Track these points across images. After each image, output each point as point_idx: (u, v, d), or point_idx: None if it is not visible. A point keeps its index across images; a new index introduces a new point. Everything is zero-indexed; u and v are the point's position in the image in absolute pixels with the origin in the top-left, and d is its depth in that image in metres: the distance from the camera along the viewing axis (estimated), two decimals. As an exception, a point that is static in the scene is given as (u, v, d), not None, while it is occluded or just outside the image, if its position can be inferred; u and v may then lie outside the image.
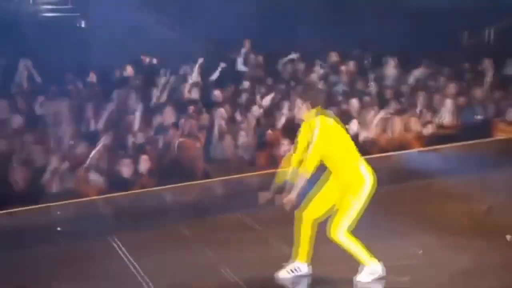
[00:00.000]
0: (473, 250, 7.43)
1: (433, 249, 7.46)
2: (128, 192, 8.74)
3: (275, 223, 7.61)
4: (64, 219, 8.21)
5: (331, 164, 6.20)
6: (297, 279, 6.53)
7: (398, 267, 6.86)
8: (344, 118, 9.52)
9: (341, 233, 6.08)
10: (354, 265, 6.44)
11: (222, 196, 9.34)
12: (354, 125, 10.50)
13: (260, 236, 7.99)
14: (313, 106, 6.09)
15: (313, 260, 6.53)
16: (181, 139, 9.80)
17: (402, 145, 10.61)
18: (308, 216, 6.28)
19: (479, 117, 11.42)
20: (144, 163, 9.09)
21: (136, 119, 10.38)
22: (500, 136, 10.83)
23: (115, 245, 7.68)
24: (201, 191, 9.29)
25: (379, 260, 6.28)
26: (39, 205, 8.19)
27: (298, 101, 6.16)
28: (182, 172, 9.29)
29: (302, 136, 6.26)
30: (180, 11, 14.50)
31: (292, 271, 6.40)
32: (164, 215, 8.54)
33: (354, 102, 11.51)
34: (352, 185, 6.11)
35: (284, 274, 6.43)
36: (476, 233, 7.93)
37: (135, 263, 7.16)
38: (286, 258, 6.63)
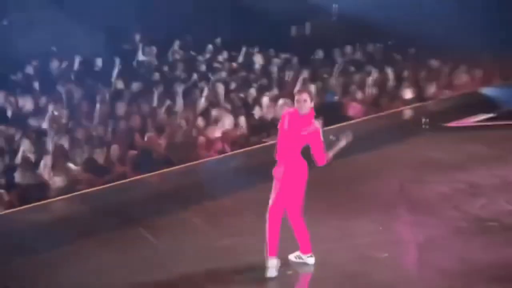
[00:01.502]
0: (421, 224, 7.64)
1: (387, 225, 7.64)
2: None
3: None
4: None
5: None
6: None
7: (370, 244, 7.03)
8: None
9: None
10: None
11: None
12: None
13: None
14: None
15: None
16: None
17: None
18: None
19: (336, 98, 12.03)
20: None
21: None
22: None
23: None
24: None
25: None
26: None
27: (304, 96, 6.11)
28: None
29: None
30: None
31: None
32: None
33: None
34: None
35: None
36: (414, 207, 8.17)
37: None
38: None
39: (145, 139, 9.81)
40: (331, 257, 6.91)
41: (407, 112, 12.25)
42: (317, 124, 6.14)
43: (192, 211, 8.41)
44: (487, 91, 13.59)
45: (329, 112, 11.18)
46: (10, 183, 8.53)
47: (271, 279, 6.36)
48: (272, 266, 6.22)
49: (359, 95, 12.50)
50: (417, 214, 8.27)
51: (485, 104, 13.08)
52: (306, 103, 6.05)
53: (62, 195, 8.38)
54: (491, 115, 12.63)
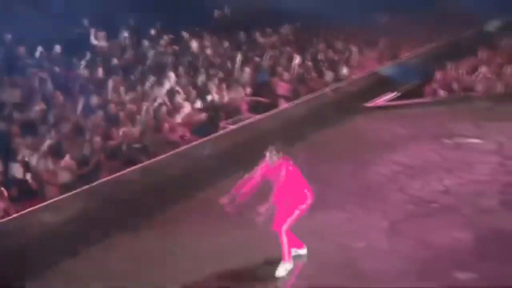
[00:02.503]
0: (376, 209, 8.28)
1: (349, 212, 8.31)
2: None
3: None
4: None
5: None
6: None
7: (342, 233, 7.73)
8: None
9: None
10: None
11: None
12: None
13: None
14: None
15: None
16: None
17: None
18: None
19: (267, 78, 12.79)
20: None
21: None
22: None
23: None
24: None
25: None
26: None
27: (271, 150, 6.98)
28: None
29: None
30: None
31: None
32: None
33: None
34: None
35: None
36: (364, 192, 8.81)
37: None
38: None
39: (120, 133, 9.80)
40: (312, 248, 7.25)
41: (329, 94, 12.86)
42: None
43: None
44: (383, 70, 14.28)
45: (262, 89, 12.44)
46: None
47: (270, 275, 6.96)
48: (288, 268, 7.03)
49: (285, 75, 13.00)
50: (370, 200, 8.71)
51: (386, 83, 13.88)
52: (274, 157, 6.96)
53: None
54: (395, 93, 13.60)
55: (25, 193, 8.58)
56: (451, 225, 7.99)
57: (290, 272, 7.04)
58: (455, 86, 13.36)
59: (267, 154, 6.99)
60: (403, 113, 12.46)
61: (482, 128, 11.56)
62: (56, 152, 9.28)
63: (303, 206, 7.07)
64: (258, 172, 7.08)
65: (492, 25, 17.73)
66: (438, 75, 13.73)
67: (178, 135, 10.44)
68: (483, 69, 13.59)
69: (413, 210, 8.50)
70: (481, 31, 17.26)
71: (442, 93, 13.25)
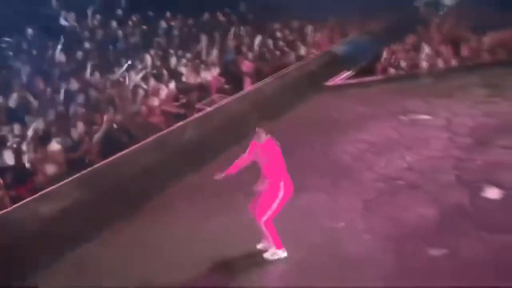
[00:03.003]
0: (349, 189, 8.78)
1: (327, 193, 8.74)
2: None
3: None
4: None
5: None
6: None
7: (321, 215, 8.11)
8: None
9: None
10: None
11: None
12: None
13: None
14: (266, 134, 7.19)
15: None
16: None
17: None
18: None
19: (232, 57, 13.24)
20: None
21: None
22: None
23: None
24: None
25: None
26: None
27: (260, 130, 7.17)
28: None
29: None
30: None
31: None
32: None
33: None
34: None
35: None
36: (335, 171, 9.31)
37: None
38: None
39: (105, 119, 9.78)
40: (297, 230, 7.60)
41: (293, 73, 13.18)
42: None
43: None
44: (336, 49, 14.93)
45: (229, 67, 12.89)
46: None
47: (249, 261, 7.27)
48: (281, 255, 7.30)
49: (249, 54, 13.47)
50: (343, 179, 9.10)
51: (341, 62, 14.44)
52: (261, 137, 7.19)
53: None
54: (351, 72, 14.18)
55: (18, 180, 8.58)
56: (418, 202, 8.50)
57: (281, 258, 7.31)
58: (402, 63, 14.08)
59: (256, 134, 7.14)
60: (360, 92, 13.00)
61: (430, 104, 12.28)
62: (43, 139, 9.25)
63: (281, 195, 7.14)
64: (248, 152, 7.27)
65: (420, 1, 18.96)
66: (386, 53, 14.46)
67: (158, 118, 10.47)
68: (424, 46, 14.32)
69: (383, 188, 8.95)
70: (417, 9, 18.31)
71: (391, 70, 13.98)
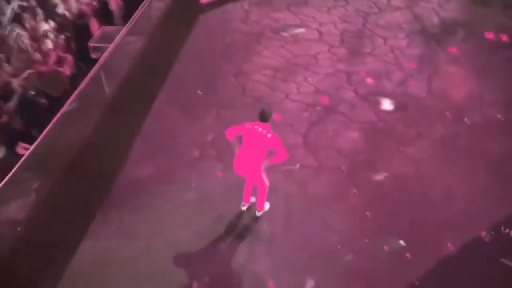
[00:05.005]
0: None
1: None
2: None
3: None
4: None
5: None
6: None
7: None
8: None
9: None
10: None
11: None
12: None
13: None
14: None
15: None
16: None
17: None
18: None
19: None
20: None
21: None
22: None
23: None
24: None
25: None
26: None
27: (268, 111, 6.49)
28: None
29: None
30: None
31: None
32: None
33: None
34: None
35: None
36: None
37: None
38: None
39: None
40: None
41: None
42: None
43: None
44: None
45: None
46: None
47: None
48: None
49: None
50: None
51: None
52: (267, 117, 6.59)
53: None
54: None
55: None
56: (342, 126, 8.68)
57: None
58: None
59: (262, 114, 6.58)
60: (233, 7, 12.42)
61: (297, 15, 12.15)
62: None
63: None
64: (244, 127, 6.67)
65: None
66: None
67: (53, 65, 8.93)
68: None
69: (309, 117, 8.86)
70: None
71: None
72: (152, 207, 7.27)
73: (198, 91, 9.28)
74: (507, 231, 6.74)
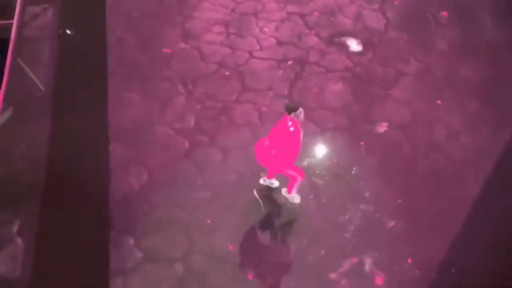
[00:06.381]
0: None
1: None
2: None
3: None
4: None
5: None
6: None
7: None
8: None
9: None
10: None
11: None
12: None
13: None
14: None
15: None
16: None
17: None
18: None
19: None
20: None
21: None
22: None
23: None
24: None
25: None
26: None
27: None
28: None
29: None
30: None
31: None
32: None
33: None
34: None
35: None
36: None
37: None
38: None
39: None
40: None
41: None
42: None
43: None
44: None
45: None
46: None
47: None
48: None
49: None
50: (250, 81, 8.39)
51: None
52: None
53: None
54: None
55: None
56: (323, 79, 8.29)
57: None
58: None
59: (296, 114, 6.18)
60: None
61: None
62: None
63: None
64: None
65: None
66: None
67: None
68: None
69: (285, 75, 8.32)
70: None
71: None
72: (165, 220, 6.52)
73: (148, 66, 8.13)
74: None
